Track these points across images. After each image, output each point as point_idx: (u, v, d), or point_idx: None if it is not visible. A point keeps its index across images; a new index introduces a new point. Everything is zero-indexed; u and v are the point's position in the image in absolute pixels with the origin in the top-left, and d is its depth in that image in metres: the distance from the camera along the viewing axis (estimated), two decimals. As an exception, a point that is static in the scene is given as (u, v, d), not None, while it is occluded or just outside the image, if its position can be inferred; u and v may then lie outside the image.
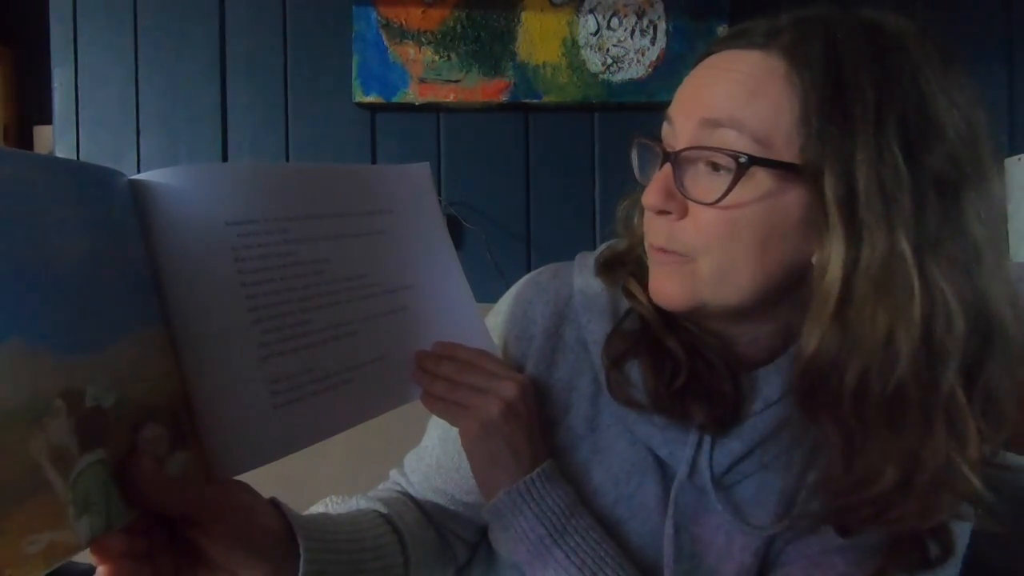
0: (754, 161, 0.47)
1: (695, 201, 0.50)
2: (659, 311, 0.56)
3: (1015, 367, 0.48)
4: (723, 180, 0.48)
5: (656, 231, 0.52)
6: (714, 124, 0.49)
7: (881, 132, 0.45)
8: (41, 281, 0.33)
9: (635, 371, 0.57)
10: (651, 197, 0.51)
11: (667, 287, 0.53)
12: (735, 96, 0.48)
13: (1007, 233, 0.48)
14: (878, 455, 0.47)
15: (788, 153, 0.47)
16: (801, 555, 0.54)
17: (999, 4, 1.69)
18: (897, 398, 0.46)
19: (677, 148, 0.51)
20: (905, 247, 0.44)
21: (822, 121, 0.45)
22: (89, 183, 0.38)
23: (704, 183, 0.50)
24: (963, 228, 0.46)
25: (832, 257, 0.46)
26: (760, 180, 0.47)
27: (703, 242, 0.50)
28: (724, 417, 0.55)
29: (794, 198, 0.48)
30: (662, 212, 0.51)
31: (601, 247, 0.65)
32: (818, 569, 0.53)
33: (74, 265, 0.35)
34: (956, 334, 0.45)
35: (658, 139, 0.54)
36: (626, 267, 0.60)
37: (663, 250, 0.52)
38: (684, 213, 0.50)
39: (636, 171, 0.58)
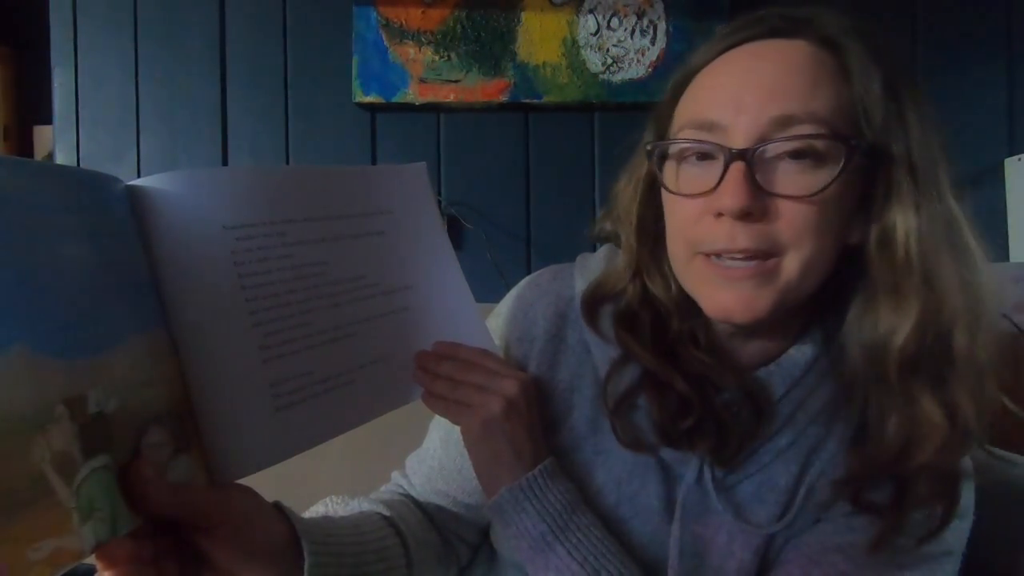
0: (859, 144, 0.47)
1: (791, 196, 0.47)
2: (663, 351, 0.55)
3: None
4: (812, 170, 0.47)
5: (729, 236, 0.49)
6: (787, 121, 0.47)
7: (921, 111, 0.49)
8: (43, 288, 0.33)
9: (640, 407, 0.57)
10: (735, 199, 0.47)
11: (745, 299, 0.49)
12: (799, 87, 0.47)
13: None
14: (961, 410, 0.49)
15: (867, 136, 0.48)
16: (800, 553, 0.55)
17: (999, 4, 1.68)
18: (941, 357, 0.49)
19: (741, 146, 0.48)
20: (953, 206, 0.48)
21: (887, 103, 0.48)
22: (87, 190, 0.38)
23: (790, 177, 0.48)
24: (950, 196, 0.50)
25: (900, 226, 0.48)
26: (840, 166, 0.48)
27: (795, 236, 0.48)
28: (732, 454, 0.55)
29: (863, 179, 0.49)
30: (746, 215, 0.48)
31: (600, 252, 0.65)
32: (817, 567, 0.53)
33: (75, 271, 0.35)
34: (987, 285, 0.49)
35: (703, 143, 0.51)
36: (613, 303, 0.59)
37: (748, 255, 0.49)
38: (764, 213, 0.48)
39: (665, 182, 0.54)
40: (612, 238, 0.63)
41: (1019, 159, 1.62)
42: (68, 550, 0.32)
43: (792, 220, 0.48)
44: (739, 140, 0.48)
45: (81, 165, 1.67)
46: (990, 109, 1.67)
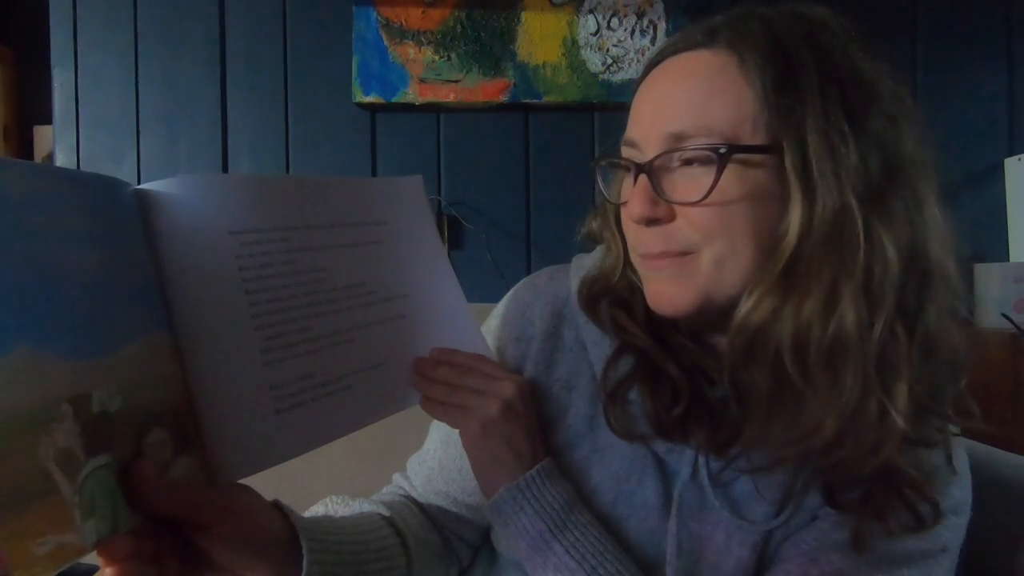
0: (732, 150, 0.48)
1: (680, 203, 0.51)
2: (655, 337, 0.57)
3: (954, 308, 0.51)
4: (703, 177, 0.49)
5: (649, 239, 0.53)
6: (680, 137, 0.50)
7: (826, 101, 0.48)
8: (50, 289, 0.34)
9: (634, 400, 0.57)
10: (637, 208, 0.51)
11: (670, 289, 0.53)
12: (694, 102, 0.50)
13: (933, 172, 0.52)
14: (818, 406, 0.48)
15: (756, 137, 0.49)
16: (798, 551, 0.55)
17: (999, 4, 1.69)
18: (837, 348, 0.48)
19: (648, 159, 0.52)
20: (852, 201, 0.47)
21: (777, 99, 0.48)
22: (95, 193, 0.39)
23: (684, 184, 0.51)
24: (905, 180, 0.49)
25: (791, 220, 0.48)
26: (737, 168, 0.49)
27: (702, 235, 0.50)
28: (725, 440, 0.55)
29: (767, 179, 0.49)
30: (651, 222, 0.52)
31: (596, 252, 0.65)
32: (815, 564, 0.53)
33: (81, 273, 0.36)
34: (891, 279, 0.47)
35: (619, 158, 0.55)
36: (614, 292, 0.60)
37: (661, 255, 0.52)
38: (672, 216, 0.51)
39: (603, 191, 0.59)
40: (597, 237, 0.64)
41: (1019, 159, 1.62)
42: (71, 546, 0.33)
43: (697, 222, 0.50)
44: (647, 155, 0.52)
45: (81, 165, 1.68)
46: (990, 109, 1.67)
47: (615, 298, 0.60)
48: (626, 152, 0.55)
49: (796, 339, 0.48)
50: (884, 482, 0.51)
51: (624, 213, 0.56)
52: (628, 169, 0.55)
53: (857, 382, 0.48)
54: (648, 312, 0.58)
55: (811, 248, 0.48)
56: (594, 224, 0.64)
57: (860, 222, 0.47)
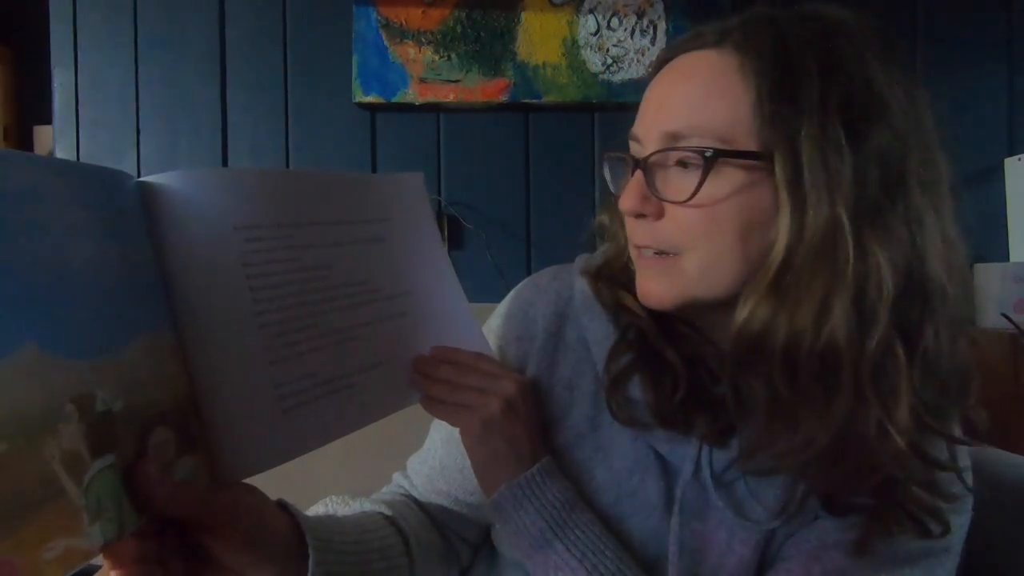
0: (718, 154, 0.49)
1: (669, 201, 0.51)
2: (657, 321, 0.57)
3: (958, 327, 0.50)
4: (693, 179, 0.49)
5: (638, 233, 0.54)
6: (674, 136, 0.51)
7: (825, 111, 0.47)
8: (53, 285, 0.33)
9: (636, 389, 0.57)
10: (626, 202, 0.53)
11: (653, 286, 0.54)
12: (692, 102, 0.51)
13: (948, 199, 0.51)
14: (811, 419, 0.48)
15: (749, 143, 0.49)
16: (801, 550, 0.55)
17: (999, 4, 1.69)
18: (829, 362, 0.47)
19: (643, 156, 0.53)
20: (843, 216, 0.46)
21: (772, 105, 0.48)
22: (98, 186, 0.38)
23: (675, 184, 0.51)
24: (905, 197, 0.48)
25: (780, 229, 0.48)
26: (729, 173, 0.49)
27: (686, 239, 0.51)
28: (725, 429, 0.55)
29: (757, 186, 0.49)
30: (640, 215, 0.53)
31: (601, 250, 0.65)
32: (817, 563, 0.53)
33: (84, 269, 0.35)
34: (885, 298, 0.47)
35: (626, 152, 0.56)
36: (616, 278, 0.61)
37: (649, 252, 0.54)
38: (661, 214, 0.52)
39: (609, 183, 0.60)
40: (607, 229, 0.65)
41: (1019, 159, 1.62)
42: (79, 550, 0.32)
43: (681, 223, 0.51)
44: (646, 151, 0.53)
45: (81, 165, 1.67)
46: (990, 109, 1.67)
47: (618, 282, 0.61)
48: (632, 147, 0.56)
49: (787, 349, 0.48)
50: (888, 497, 0.51)
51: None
52: (629, 163, 0.56)
53: (849, 397, 0.47)
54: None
55: (801, 259, 0.47)
56: (604, 217, 0.65)
57: (850, 237, 0.46)
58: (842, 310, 0.47)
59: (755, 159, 0.48)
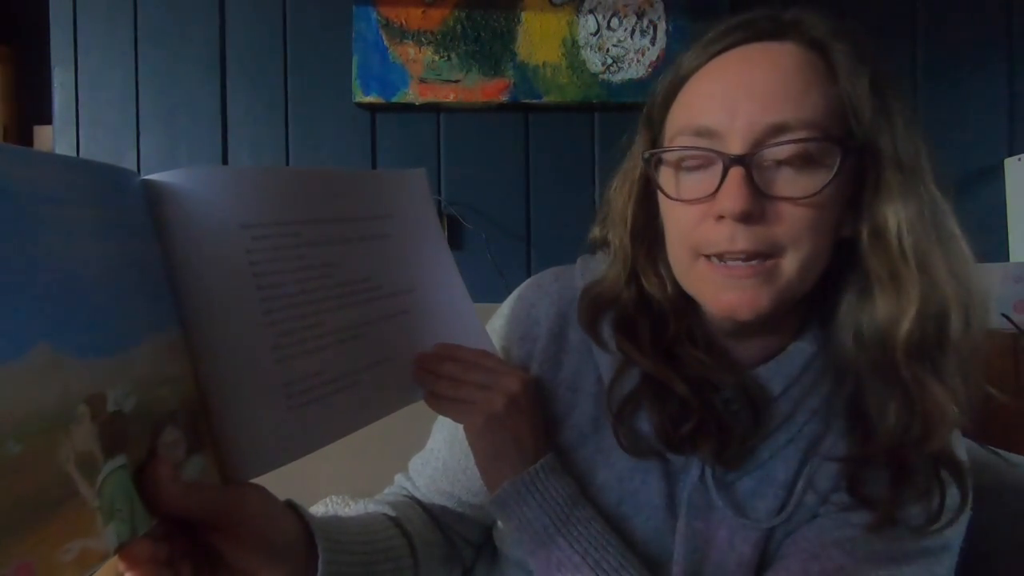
0: (849, 145, 0.49)
1: (786, 199, 0.49)
2: (660, 355, 0.56)
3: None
4: (808, 173, 0.49)
5: (730, 239, 0.50)
6: (781, 127, 0.49)
7: (904, 111, 0.50)
8: (64, 284, 0.32)
9: (643, 421, 0.57)
10: (736, 203, 0.48)
11: (750, 297, 0.51)
12: (791, 93, 0.49)
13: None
14: (936, 397, 0.50)
15: (857, 135, 0.50)
16: (799, 548, 0.55)
17: (999, 4, 1.69)
18: (946, 342, 0.50)
19: (738, 152, 0.49)
20: (937, 195, 0.50)
21: (871, 102, 0.49)
22: (104, 183, 0.37)
23: (787, 180, 0.49)
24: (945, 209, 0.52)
25: (892, 217, 0.49)
26: (833, 165, 0.49)
27: (793, 237, 0.50)
28: (733, 454, 0.56)
29: (851, 176, 0.51)
30: (747, 218, 0.49)
31: (601, 254, 0.65)
32: (816, 561, 0.53)
33: (95, 267, 0.34)
34: (976, 278, 0.50)
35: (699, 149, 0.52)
36: (612, 310, 0.60)
37: (747, 256, 0.50)
38: (762, 215, 0.50)
39: (664, 187, 0.55)
40: (602, 245, 0.64)
41: (1019, 159, 1.62)
42: (95, 551, 0.32)
43: (791, 222, 0.49)
44: (736, 146, 0.49)
45: (81, 165, 1.67)
46: (990, 109, 1.68)
47: (619, 316, 0.59)
48: (696, 142, 0.51)
49: (954, 329, 0.50)
50: (916, 473, 0.52)
51: (691, 210, 0.52)
52: (702, 164, 0.52)
53: (957, 375, 0.50)
54: (655, 326, 0.57)
55: (924, 243, 0.49)
56: (598, 231, 0.64)
57: (948, 212, 0.50)
58: (948, 291, 0.49)
59: (868, 151, 0.50)
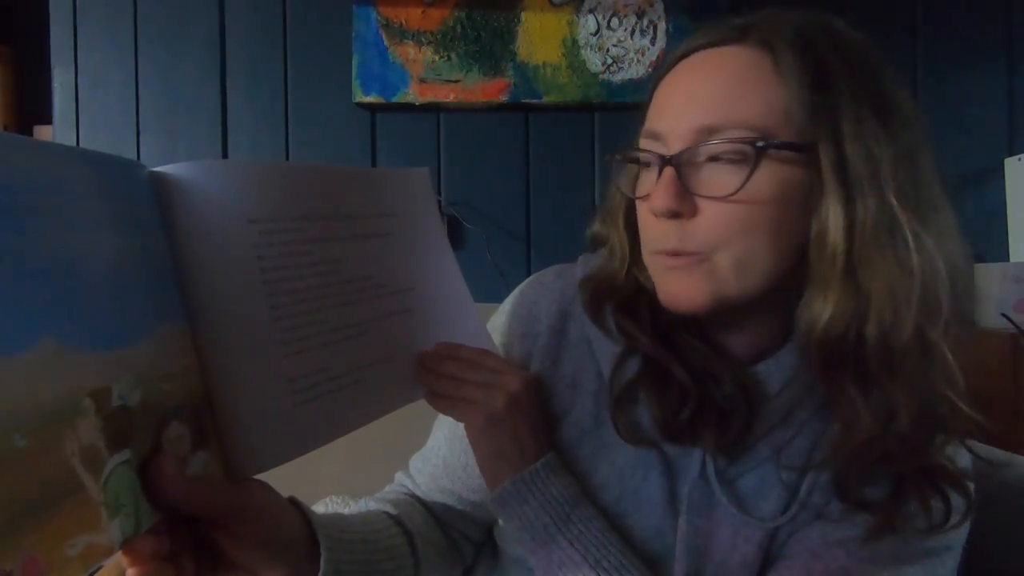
0: (768, 146, 0.48)
1: (711, 197, 0.50)
2: (662, 339, 0.57)
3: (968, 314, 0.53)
4: (734, 173, 0.49)
5: (665, 235, 0.52)
6: (711, 129, 0.50)
7: (860, 107, 0.48)
8: (71, 278, 0.32)
9: (642, 408, 0.57)
10: (661, 201, 0.51)
11: (684, 289, 0.52)
12: (726, 96, 0.50)
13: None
14: (898, 403, 0.49)
15: (790, 135, 0.49)
16: (802, 547, 0.55)
17: (999, 4, 1.69)
18: (910, 346, 0.49)
19: (675, 152, 0.51)
20: (894, 202, 0.48)
21: (814, 96, 0.48)
22: (112, 175, 0.37)
23: (712, 179, 0.50)
24: (928, 191, 0.50)
25: (831, 220, 0.49)
26: (768, 166, 0.49)
27: (720, 237, 0.50)
28: (733, 444, 0.56)
29: (796, 177, 0.50)
30: (673, 215, 0.51)
31: (599, 257, 0.65)
32: (819, 561, 0.53)
33: (101, 260, 0.34)
34: (943, 282, 0.48)
35: (641, 151, 0.55)
36: (613, 297, 0.60)
37: (675, 254, 0.52)
38: (694, 213, 0.51)
39: (621, 187, 0.59)
40: (602, 240, 0.64)
41: (1019, 159, 1.62)
42: (100, 546, 0.31)
43: (716, 219, 0.50)
44: (673, 148, 0.52)
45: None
46: (990, 109, 1.68)
47: (620, 301, 0.59)
48: (647, 144, 0.54)
49: (879, 338, 0.49)
50: (923, 476, 0.52)
51: (642, 207, 0.55)
52: (648, 163, 0.54)
53: (924, 383, 0.49)
54: (654, 314, 0.57)
55: (863, 248, 0.48)
56: (598, 227, 0.64)
57: (906, 225, 0.48)
58: (915, 295, 0.48)
59: (800, 151, 0.49)
